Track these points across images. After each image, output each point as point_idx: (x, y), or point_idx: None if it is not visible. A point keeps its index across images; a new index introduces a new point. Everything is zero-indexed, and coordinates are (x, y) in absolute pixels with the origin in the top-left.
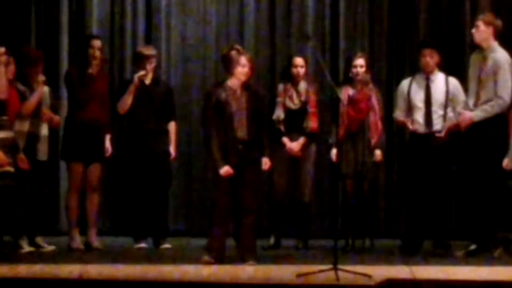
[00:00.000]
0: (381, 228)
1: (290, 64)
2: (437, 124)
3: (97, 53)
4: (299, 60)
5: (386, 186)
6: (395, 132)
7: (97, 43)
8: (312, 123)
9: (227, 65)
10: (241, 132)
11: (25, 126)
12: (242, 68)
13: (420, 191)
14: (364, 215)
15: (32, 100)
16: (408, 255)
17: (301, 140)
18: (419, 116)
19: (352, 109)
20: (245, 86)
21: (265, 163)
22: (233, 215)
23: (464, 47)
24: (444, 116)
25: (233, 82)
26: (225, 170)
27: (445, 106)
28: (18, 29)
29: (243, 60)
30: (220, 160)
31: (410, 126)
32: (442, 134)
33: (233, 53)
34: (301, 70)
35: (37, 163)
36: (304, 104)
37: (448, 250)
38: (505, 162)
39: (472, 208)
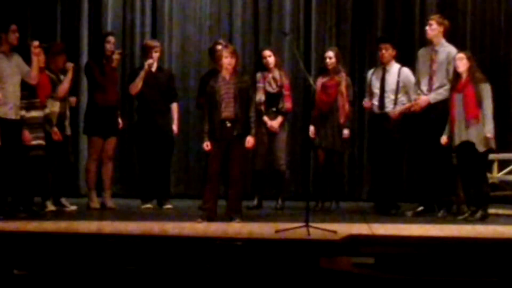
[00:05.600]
0: (344, 192)
1: (260, 56)
2: (388, 107)
3: (112, 47)
4: (266, 52)
5: (349, 158)
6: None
7: (112, 39)
8: (287, 104)
9: (213, 55)
10: (228, 112)
11: (56, 106)
12: (225, 59)
13: (378, 161)
14: (331, 182)
15: (65, 83)
16: (381, 214)
17: (279, 118)
18: (375, 100)
19: (323, 94)
20: (234, 74)
21: (248, 141)
22: (224, 180)
23: (414, 42)
24: (395, 100)
25: (223, 71)
26: (204, 144)
27: (396, 92)
28: (45, 25)
29: (226, 52)
30: (206, 135)
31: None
32: (394, 114)
33: (217, 46)
34: (270, 60)
35: (64, 137)
36: (280, 88)
37: (399, 210)
38: (443, 139)
39: (420, 176)
